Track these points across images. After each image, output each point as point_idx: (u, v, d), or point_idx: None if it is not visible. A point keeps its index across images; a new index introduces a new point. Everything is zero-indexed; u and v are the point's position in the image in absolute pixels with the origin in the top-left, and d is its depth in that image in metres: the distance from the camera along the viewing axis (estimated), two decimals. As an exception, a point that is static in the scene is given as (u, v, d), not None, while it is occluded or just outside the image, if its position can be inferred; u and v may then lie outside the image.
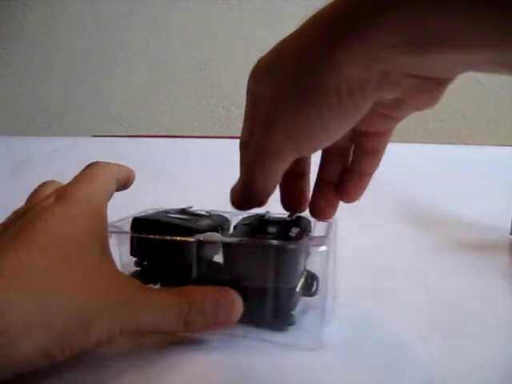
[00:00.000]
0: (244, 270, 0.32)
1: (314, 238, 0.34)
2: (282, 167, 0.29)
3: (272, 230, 0.33)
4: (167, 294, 0.29)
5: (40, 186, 0.35)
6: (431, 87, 0.25)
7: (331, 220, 0.36)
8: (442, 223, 0.66)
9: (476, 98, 1.28)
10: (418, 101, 0.26)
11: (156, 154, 0.81)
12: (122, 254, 0.35)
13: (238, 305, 0.30)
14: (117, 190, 0.34)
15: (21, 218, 0.28)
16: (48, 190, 0.32)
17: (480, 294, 0.42)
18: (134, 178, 0.36)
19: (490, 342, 0.34)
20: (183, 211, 0.39)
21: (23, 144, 0.82)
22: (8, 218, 0.31)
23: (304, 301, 0.35)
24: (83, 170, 0.33)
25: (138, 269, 0.35)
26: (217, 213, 0.39)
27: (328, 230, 0.35)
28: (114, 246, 0.31)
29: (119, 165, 0.35)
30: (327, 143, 0.28)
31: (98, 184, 0.31)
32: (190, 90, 1.25)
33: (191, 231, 0.33)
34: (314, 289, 0.35)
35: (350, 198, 0.35)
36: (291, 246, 0.31)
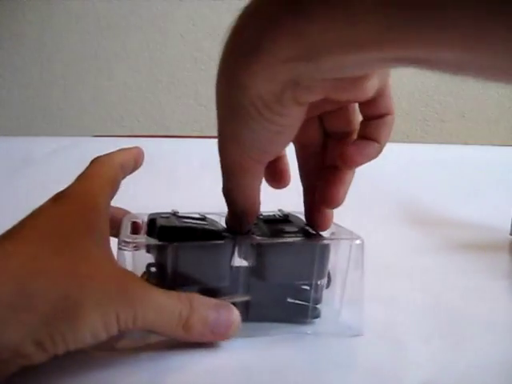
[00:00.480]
0: (287, 268, 0.33)
1: (349, 233, 0.36)
2: (253, 180, 0.30)
3: (291, 229, 0.35)
4: (169, 294, 0.29)
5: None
6: (348, 85, 0.25)
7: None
8: (442, 223, 0.66)
9: (476, 98, 1.28)
10: (346, 96, 0.27)
11: (156, 154, 0.81)
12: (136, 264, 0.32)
13: (237, 322, 0.30)
14: (130, 173, 0.35)
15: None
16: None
17: (480, 294, 0.42)
18: (142, 155, 0.36)
19: (490, 341, 0.34)
20: (175, 214, 0.37)
21: (23, 144, 0.82)
22: None
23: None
24: (85, 169, 0.33)
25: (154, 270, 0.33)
26: (207, 215, 0.38)
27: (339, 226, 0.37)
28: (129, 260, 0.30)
29: (123, 150, 0.35)
30: (281, 148, 0.30)
31: (96, 179, 0.31)
32: (190, 90, 1.25)
33: (220, 236, 0.33)
34: (327, 282, 0.36)
35: (350, 162, 0.33)
36: (331, 243, 0.34)
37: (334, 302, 0.35)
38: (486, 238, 0.59)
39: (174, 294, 0.29)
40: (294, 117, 0.26)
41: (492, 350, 0.33)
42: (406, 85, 1.28)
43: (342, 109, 0.32)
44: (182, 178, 0.76)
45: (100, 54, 1.24)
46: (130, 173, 0.35)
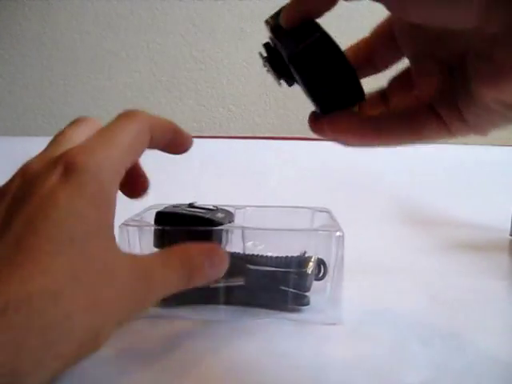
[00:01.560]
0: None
1: (332, 225, 0.38)
2: None
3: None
4: (171, 268, 0.29)
5: (70, 127, 0.31)
6: None
7: (332, 214, 0.39)
8: (442, 223, 0.66)
9: (476, 98, 1.28)
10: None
11: (156, 153, 0.81)
12: (142, 247, 0.37)
13: (226, 259, 0.32)
14: (157, 148, 0.32)
15: (20, 203, 0.25)
16: (73, 138, 0.29)
17: (480, 294, 0.42)
18: (188, 142, 0.36)
19: (490, 341, 0.34)
20: (191, 205, 0.40)
21: (23, 144, 0.82)
22: (6, 186, 0.28)
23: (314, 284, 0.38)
24: (112, 121, 0.29)
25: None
26: (221, 207, 0.40)
27: (334, 220, 0.39)
28: (134, 238, 0.32)
29: (165, 120, 0.33)
30: None
31: (115, 151, 0.27)
32: (190, 90, 1.25)
33: (213, 223, 0.36)
34: (322, 273, 0.38)
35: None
36: (314, 234, 0.36)
37: (323, 292, 0.37)
38: (485, 238, 0.59)
39: (173, 259, 0.30)
40: None
41: (492, 349, 0.33)
42: (406, 85, 1.28)
43: None
44: (182, 177, 0.76)
45: (100, 54, 1.24)
46: (162, 149, 0.34)
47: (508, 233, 0.58)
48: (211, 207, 0.40)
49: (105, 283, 0.25)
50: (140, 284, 0.27)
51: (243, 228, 0.37)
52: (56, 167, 0.26)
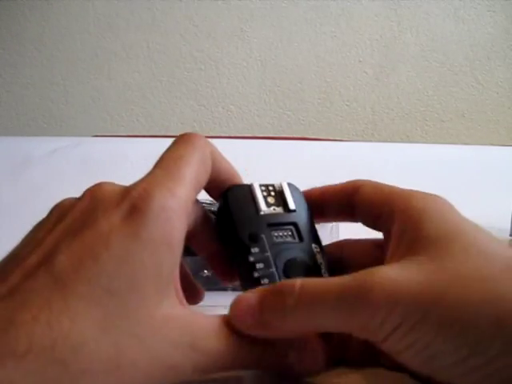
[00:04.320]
0: None
1: None
2: None
3: None
4: (228, 336, 0.24)
5: (179, 145, 0.27)
6: None
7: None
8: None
9: (476, 98, 1.28)
10: None
11: (156, 154, 0.81)
12: None
13: (322, 357, 0.25)
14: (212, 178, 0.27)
15: (77, 231, 0.23)
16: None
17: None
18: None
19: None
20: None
21: (23, 144, 0.82)
22: (75, 202, 0.25)
23: None
24: (174, 147, 0.26)
25: None
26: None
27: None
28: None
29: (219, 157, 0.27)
30: None
31: (182, 189, 0.24)
32: (190, 90, 1.25)
33: None
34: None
35: None
36: None
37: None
38: (485, 238, 0.59)
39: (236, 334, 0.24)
40: None
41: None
42: (406, 85, 1.28)
43: None
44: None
45: (100, 54, 1.24)
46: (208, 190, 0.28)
47: (508, 233, 0.58)
48: (208, 201, 0.40)
49: (133, 344, 0.22)
50: (179, 354, 0.23)
51: None
52: (123, 201, 0.23)
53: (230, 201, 0.29)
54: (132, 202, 0.23)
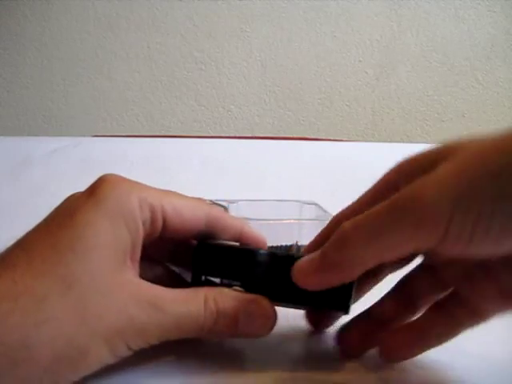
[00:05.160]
0: None
1: (327, 215, 0.38)
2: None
3: None
4: (193, 302, 0.26)
5: None
6: None
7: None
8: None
9: (476, 98, 1.28)
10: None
11: (156, 153, 0.81)
12: None
13: (273, 318, 0.27)
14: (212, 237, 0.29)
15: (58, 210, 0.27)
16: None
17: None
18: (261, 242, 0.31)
19: (490, 341, 0.34)
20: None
21: (23, 144, 0.82)
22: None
23: None
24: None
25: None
26: (216, 201, 0.40)
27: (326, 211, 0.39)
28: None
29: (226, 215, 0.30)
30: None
31: (152, 190, 0.28)
32: (190, 90, 1.25)
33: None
34: None
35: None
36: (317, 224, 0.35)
37: None
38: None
39: (198, 298, 0.26)
40: None
41: (492, 349, 0.33)
42: (406, 85, 1.28)
43: None
44: (182, 177, 0.76)
45: (100, 54, 1.24)
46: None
47: (508, 233, 0.58)
48: (207, 201, 0.40)
49: (98, 299, 0.24)
50: (142, 310, 0.25)
51: (250, 220, 0.37)
52: (90, 186, 0.27)
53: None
54: (95, 184, 0.27)
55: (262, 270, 0.28)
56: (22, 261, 0.24)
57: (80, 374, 0.24)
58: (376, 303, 0.30)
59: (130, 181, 0.28)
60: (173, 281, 0.30)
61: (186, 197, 0.29)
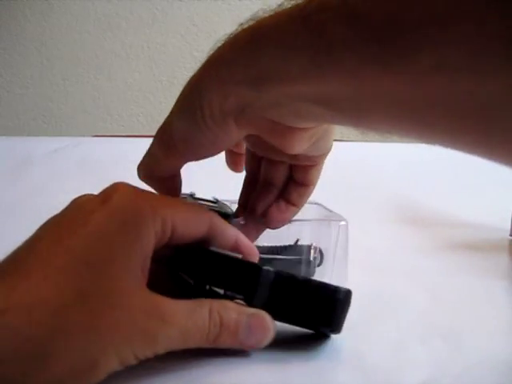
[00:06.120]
0: None
1: (336, 215, 0.40)
2: (165, 166, 0.33)
3: None
4: (198, 314, 0.27)
5: None
6: (282, 132, 0.28)
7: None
8: (442, 223, 0.66)
9: (476, 98, 1.28)
10: (275, 143, 0.29)
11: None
12: None
13: (272, 331, 0.29)
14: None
15: (70, 212, 0.27)
16: None
17: (480, 294, 0.42)
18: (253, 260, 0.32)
19: (490, 341, 0.34)
20: (192, 196, 0.40)
21: (23, 144, 0.82)
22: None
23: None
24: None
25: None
26: (221, 201, 0.41)
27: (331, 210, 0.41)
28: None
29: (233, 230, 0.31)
30: (203, 155, 0.31)
31: (164, 200, 0.30)
32: (190, 90, 1.25)
33: (227, 215, 0.35)
34: (319, 261, 0.39)
35: (272, 224, 0.36)
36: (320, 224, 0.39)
37: (324, 276, 0.38)
38: (485, 238, 0.59)
39: (203, 311, 0.27)
40: (230, 136, 0.29)
41: (492, 349, 0.33)
42: (406, 85, 1.28)
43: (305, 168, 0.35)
44: (182, 177, 0.76)
45: (100, 54, 1.24)
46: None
47: (508, 233, 0.58)
48: (212, 199, 0.41)
49: (110, 312, 0.24)
50: (151, 323, 0.25)
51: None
52: (101, 192, 0.28)
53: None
54: (108, 192, 0.27)
55: (266, 288, 0.29)
56: (36, 270, 0.24)
57: (90, 383, 0.24)
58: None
59: (142, 191, 0.29)
60: (174, 282, 0.31)
61: (192, 205, 0.31)
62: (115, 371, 0.25)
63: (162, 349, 0.26)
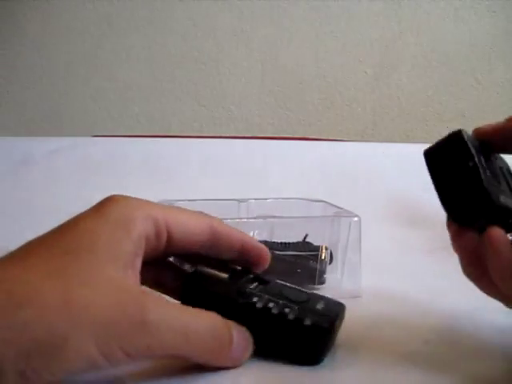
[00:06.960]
0: None
1: (348, 212, 0.42)
2: None
3: None
4: (208, 316, 0.28)
5: None
6: None
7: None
8: (442, 223, 0.66)
9: (476, 98, 1.28)
10: None
11: (156, 153, 0.81)
12: None
13: (251, 347, 0.29)
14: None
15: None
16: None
17: (480, 294, 0.42)
18: (264, 260, 0.32)
19: (490, 342, 0.34)
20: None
21: (23, 144, 0.82)
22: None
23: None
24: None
25: None
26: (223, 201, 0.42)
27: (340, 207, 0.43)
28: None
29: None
30: None
31: (155, 205, 0.29)
32: (190, 90, 1.25)
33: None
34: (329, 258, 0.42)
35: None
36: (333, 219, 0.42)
37: (337, 272, 0.41)
38: (485, 237, 0.58)
39: (214, 315, 0.28)
40: None
41: (492, 349, 0.33)
42: (406, 85, 1.28)
43: None
44: (182, 177, 0.76)
45: (100, 54, 1.24)
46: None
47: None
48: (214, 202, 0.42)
49: (86, 292, 0.24)
50: (138, 310, 0.25)
51: (271, 218, 0.39)
52: (95, 205, 0.28)
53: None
54: (102, 202, 0.28)
55: (253, 322, 0.29)
56: (18, 257, 0.25)
57: (62, 366, 0.23)
58: None
59: (136, 199, 0.29)
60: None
61: (189, 210, 0.31)
62: (115, 372, 0.25)
63: (158, 344, 0.25)
